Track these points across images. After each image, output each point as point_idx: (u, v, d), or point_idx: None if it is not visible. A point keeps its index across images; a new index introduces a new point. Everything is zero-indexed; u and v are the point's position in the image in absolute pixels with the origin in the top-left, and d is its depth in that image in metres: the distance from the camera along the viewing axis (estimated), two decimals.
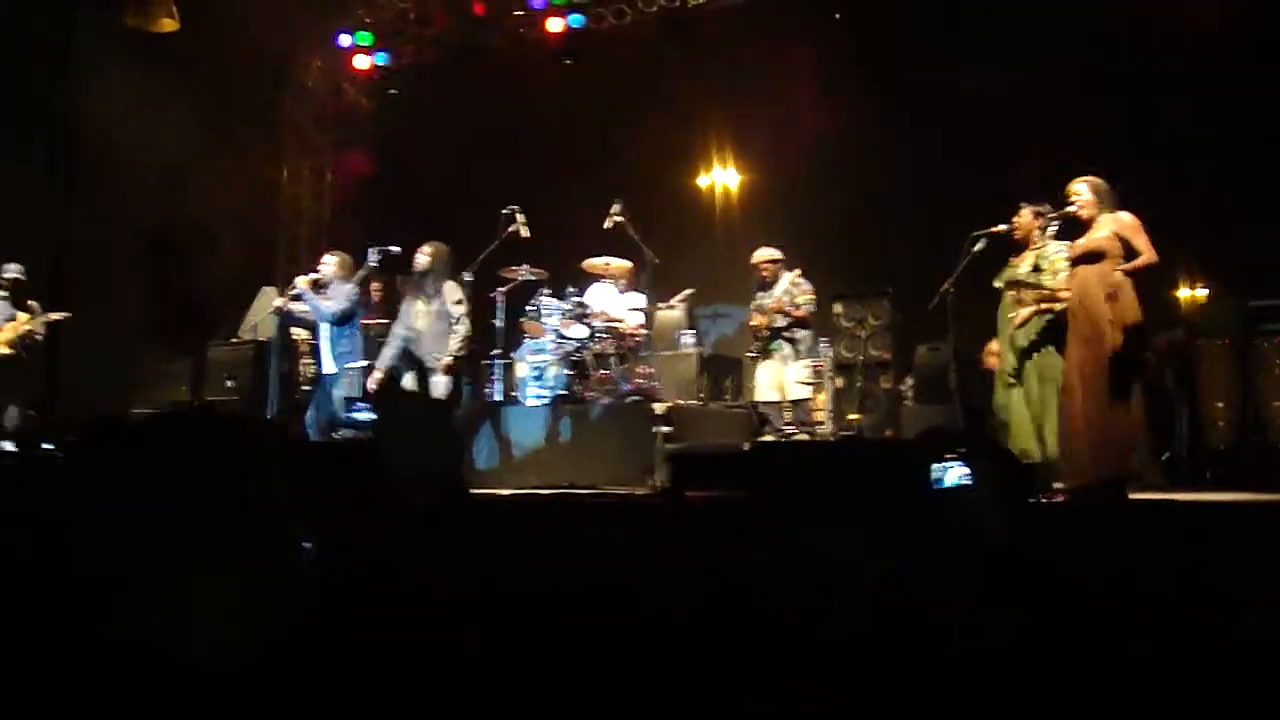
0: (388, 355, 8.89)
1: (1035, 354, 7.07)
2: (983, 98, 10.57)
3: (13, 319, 10.26)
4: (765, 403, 9.73)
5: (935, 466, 2.25)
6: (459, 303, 8.80)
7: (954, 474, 2.34)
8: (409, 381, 8.86)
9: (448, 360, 8.71)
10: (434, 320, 8.81)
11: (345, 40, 13.92)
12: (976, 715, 1.55)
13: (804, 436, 9.53)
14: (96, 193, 11.72)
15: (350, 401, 8.87)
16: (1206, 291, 9.49)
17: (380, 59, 14.09)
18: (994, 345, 7.56)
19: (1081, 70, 10.21)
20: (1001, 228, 7.37)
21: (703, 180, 12.99)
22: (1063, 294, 6.77)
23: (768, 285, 9.84)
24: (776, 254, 9.91)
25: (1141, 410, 6.67)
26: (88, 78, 11.04)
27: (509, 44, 13.43)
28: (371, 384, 8.86)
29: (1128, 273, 6.32)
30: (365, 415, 8.76)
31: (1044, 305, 7.01)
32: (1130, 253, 6.38)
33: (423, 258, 8.89)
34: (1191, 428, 8.74)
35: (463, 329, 8.83)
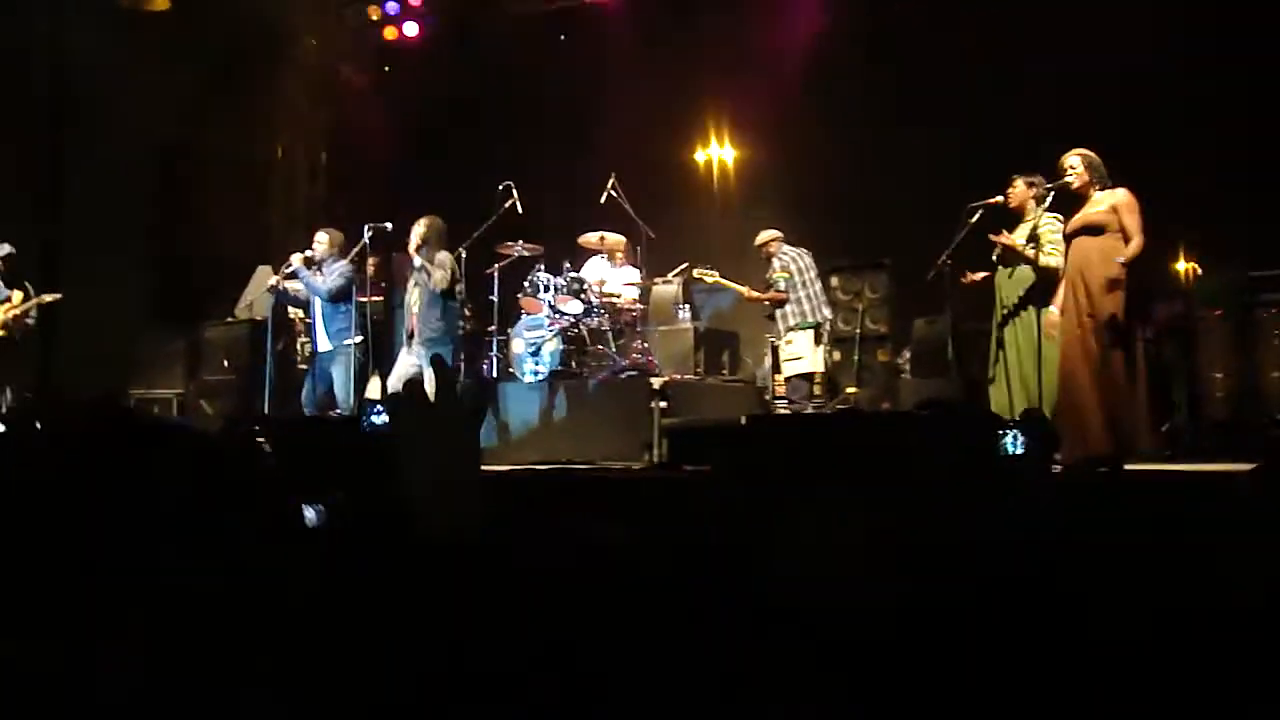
0: (407, 359, 8.89)
1: (1020, 316, 7.22)
2: (979, 69, 10.51)
3: (6, 300, 10.19)
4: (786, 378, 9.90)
5: (998, 437, 2.19)
6: (451, 276, 8.79)
7: (1011, 444, 2.29)
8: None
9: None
10: (425, 293, 8.84)
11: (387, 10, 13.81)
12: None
13: (786, 412, 9.54)
14: (88, 171, 11.65)
15: (371, 404, 8.81)
16: (1204, 264, 9.47)
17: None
18: (1052, 316, 6.99)
19: (1075, 37, 10.12)
20: (996, 199, 7.42)
21: (699, 155, 12.92)
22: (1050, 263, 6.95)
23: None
24: (768, 235, 10.06)
25: (1144, 385, 6.68)
26: (80, 54, 10.94)
27: (502, 18, 13.36)
28: (393, 385, 8.88)
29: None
30: (382, 420, 8.77)
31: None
32: (1123, 231, 6.55)
33: (417, 229, 8.90)
34: (1191, 399, 8.75)
35: (455, 303, 8.87)
